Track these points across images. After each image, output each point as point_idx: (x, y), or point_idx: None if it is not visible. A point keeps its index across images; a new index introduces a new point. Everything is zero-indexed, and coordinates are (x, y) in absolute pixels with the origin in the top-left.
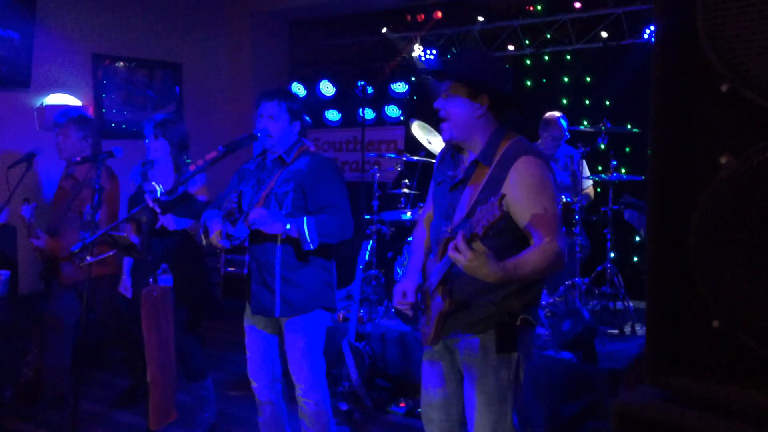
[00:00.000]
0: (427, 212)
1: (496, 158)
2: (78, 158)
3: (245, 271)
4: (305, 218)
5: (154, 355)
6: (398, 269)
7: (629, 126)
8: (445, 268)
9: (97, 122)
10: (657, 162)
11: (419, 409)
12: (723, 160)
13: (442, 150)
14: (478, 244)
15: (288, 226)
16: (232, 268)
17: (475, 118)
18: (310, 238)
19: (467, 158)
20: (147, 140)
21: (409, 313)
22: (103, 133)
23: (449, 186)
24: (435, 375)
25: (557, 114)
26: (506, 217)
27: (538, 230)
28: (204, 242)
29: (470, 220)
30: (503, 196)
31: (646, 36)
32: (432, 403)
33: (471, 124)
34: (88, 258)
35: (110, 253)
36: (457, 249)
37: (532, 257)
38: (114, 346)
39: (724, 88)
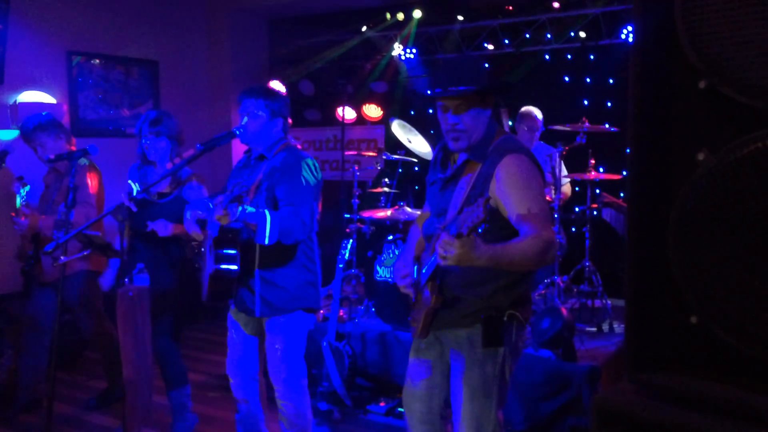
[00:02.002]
0: (424, 212)
1: (487, 155)
2: (51, 155)
3: (237, 267)
4: (268, 211)
5: (131, 356)
6: (378, 268)
7: (607, 125)
8: (435, 263)
9: (70, 117)
10: (635, 159)
11: (399, 409)
12: (700, 156)
13: (435, 151)
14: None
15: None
16: (224, 265)
17: (486, 120)
18: (270, 233)
19: (459, 157)
20: (145, 140)
21: (410, 290)
22: (79, 131)
23: (440, 185)
24: (420, 366)
25: (533, 108)
26: (490, 220)
27: (527, 224)
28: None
29: (457, 219)
30: (488, 198)
31: (623, 36)
32: (414, 393)
33: (483, 127)
34: (62, 258)
35: (85, 253)
36: (443, 246)
37: (521, 244)
38: (90, 347)
39: (701, 84)
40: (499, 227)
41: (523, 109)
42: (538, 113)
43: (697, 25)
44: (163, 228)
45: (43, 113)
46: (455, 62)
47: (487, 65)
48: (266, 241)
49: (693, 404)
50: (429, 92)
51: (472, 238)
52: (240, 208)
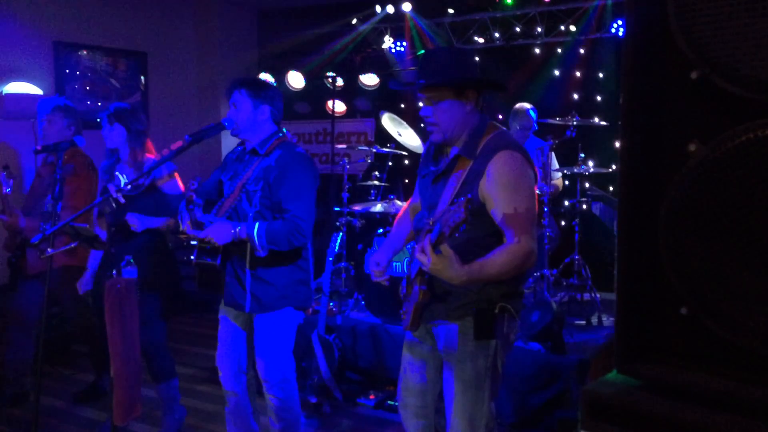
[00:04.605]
0: (413, 202)
1: (478, 151)
2: (38, 146)
3: (218, 261)
4: (257, 224)
5: (118, 349)
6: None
7: (597, 119)
8: None
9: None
10: (627, 150)
11: (389, 401)
12: (691, 147)
13: (427, 143)
14: (444, 247)
15: (237, 229)
16: (203, 258)
17: (465, 115)
18: (260, 245)
19: (450, 151)
20: (103, 129)
21: (386, 282)
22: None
23: (432, 179)
24: (414, 361)
25: (527, 105)
26: (478, 215)
27: (510, 229)
28: (181, 228)
29: (440, 219)
30: (470, 199)
31: (613, 30)
32: (409, 388)
33: (462, 122)
34: (49, 250)
35: (72, 245)
36: (419, 254)
37: (499, 259)
38: (77, 340)
39: (693, 75)
40: (485, 224)
41: (517, 106)
42: (532, 112)
43: (689, 16)
44: (138, 222)
45: (70, 102)
46: (433, 54)
47: (477, 59)
48: (261, 253)
49: (682, 395)
50: (398, 85)
51: (448, 256)
52: (238, 227)
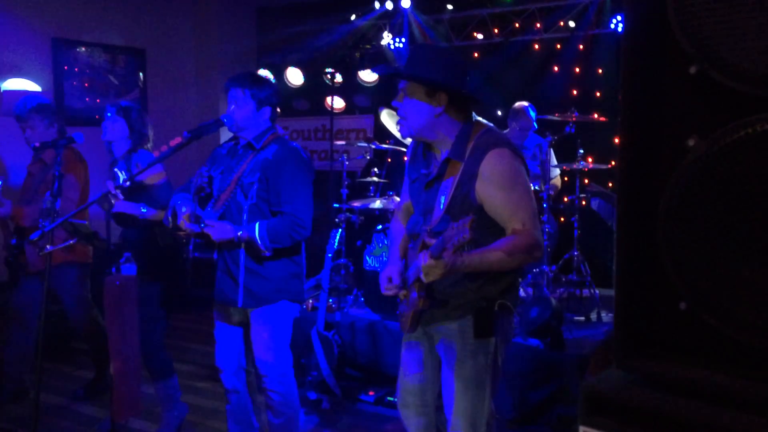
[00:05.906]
0: (403, 203)
1: (468, 152)
2: (37, 143)
3: (215, 255)
4: (257, 224)
5: (118, 346)
6: (367, 258)
7: (596, 115)
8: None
9: (56, 106)
10: (626, 146)
11: (389, 398)
12: (690, 142)
13: (412, 145)
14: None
15: (239, 233)
16: (199, 253)
17: (434, 118)
18: (263, 246)
19: (440, 155)
20: (105, 121)
21: (398, 295)
22: (64, 119)
23: (424, 184)
24: (412, 360)
25: (525, 104)
26: (477, 217)
27: (513, 224)
28: (171, 225)
29: (443, 235)
30: (473, 219)
31: (612, 25)
32: (408, 388)
33: (431, 124)
34: (48, 247)
35: (71, 241)
36: (427, 272)
37: (500, 247)
38: (77, 337)
39: (692, 70)
40: (486, 223)
41: (517, 105)
42: (532, 111)
43: (688, 11)
44: (119, 205)
45: (43, 97)
46: (421, 49)
47: (466, 66)
48: (266, 253)
49: (681, 390)
50: (381, 69)
51: (444, 261)
52: (240, 231)
